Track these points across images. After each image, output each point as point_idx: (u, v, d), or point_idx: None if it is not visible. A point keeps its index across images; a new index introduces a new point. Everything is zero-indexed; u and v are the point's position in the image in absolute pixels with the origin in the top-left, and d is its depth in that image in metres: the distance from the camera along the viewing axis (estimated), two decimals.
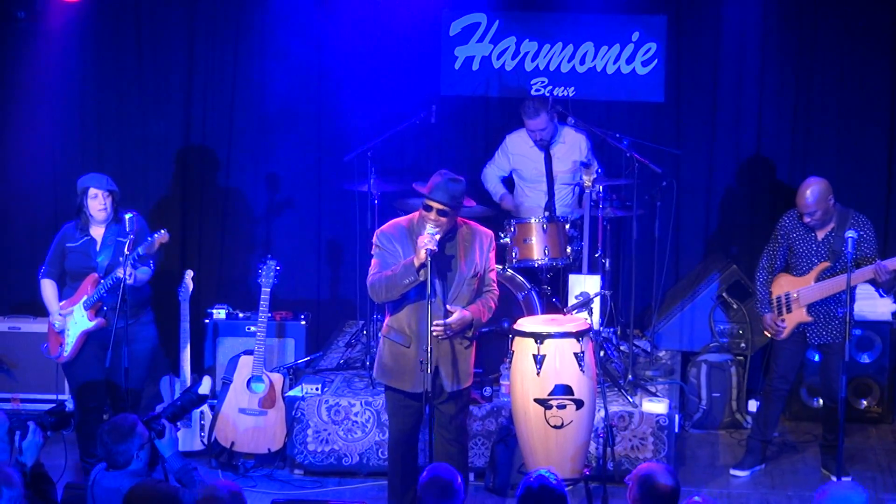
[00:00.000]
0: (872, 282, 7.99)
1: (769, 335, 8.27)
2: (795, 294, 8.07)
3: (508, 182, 9.40)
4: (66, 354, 7.85)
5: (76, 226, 7.91)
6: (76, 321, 7.82)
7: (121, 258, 7.57)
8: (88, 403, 7.90)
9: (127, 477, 5.72)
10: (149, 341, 7.99)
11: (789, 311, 8.11)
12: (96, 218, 7.84)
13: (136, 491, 5.36)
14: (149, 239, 7.65)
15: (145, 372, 7.99)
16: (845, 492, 5.26)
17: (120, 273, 7.53)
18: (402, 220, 7.07)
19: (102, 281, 7.78)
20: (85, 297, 7.81)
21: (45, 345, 8.02)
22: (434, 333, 6.81)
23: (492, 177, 9.40)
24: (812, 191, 7.91)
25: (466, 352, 7.07)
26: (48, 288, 7.94)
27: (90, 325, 7.81)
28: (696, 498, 5.40)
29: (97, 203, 7.81)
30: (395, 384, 7.06)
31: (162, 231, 7.66)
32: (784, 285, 8.14)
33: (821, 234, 8.04)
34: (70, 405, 7.84)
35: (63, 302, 7.89)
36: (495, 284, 7.18)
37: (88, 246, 7.87)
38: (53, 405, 7.05)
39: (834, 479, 7.78)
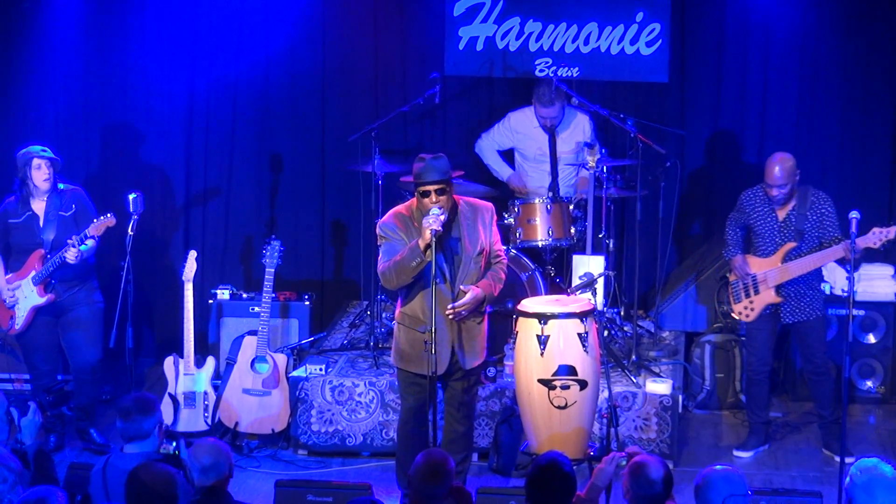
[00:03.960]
0: (840, 260, 8.00)
1: (738, 318, 8.27)
2: (763, 275, 8.06)
3: (506, 157, 9.38)
4: (17, 327, 8.15)
5: (17, 200, 8.12)
6: (26, 295, 8.09)
7: (67, 235, 7.90)
8: (42, 367, 8.23)
9: (141, 459, 5.73)
10: (96, 304, 8.22)
11: (756, 292, 8.10)
12: (41, 188, 8.05)
13: (138, 471, 5.37)
14: (95, 220, 7.88)
15: (99, 331, 8.18)
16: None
17: (67, 254, 7.85)
18: (400, 208, 7.07)
19: (50, 257, 8.00)
20: (33, 273, 8.05)
21: None
22: (449, 316, 6.86)
23: (489, 150, 9.35)
24: (781, 165, 7.92)
25: (479, 328, 7.10)
26: None
27: (41, 300, 8.09)
28: (718, 467, 5.45)
29: (41, 173, 8.03)
30: (414, 369, 7.06)
31: (108, 215, 7.86)
32: (750, 266, 8.14)
33: (781, 214, 8.03)
34: (68, 385, 7.94)
35: (10, 275, 8.13)
36: (503, 253, 7.19)
37: (31, 221, 8.09)
38: (53, 385, 7.16)
39: (837, 459, 7.79)
